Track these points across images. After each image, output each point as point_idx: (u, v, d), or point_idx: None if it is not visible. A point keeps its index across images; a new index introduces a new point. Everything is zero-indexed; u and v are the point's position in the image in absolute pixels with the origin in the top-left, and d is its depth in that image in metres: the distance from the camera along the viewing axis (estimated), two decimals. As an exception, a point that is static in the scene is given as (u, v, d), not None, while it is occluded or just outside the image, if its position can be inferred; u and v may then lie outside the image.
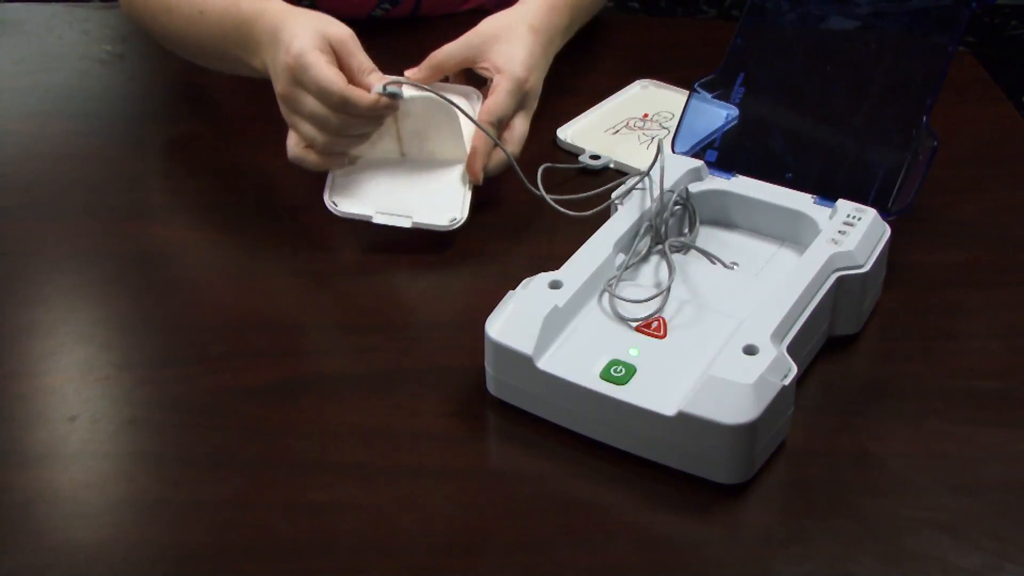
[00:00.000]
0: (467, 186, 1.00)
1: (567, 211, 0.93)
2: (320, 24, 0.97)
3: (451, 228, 0.97)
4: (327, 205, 0.98)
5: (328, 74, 0.94)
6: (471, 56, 1.06)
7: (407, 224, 0.97)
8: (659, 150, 0.93)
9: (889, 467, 0.79)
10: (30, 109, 1.20)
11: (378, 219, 0.98)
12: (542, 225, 0.99)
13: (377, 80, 0.96)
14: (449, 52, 1.06)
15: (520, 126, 1.03)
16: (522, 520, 0.76)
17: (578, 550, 0.74)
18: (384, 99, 0.95)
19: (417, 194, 1.00)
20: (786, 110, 1.00)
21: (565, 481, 0.78)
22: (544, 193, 0.94)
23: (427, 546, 0.74)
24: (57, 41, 1.31)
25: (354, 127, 0.97)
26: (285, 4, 1.01)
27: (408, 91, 0.97)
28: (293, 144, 0.99)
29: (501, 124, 1.01)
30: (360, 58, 0.97)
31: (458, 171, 1.01)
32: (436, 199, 0.99)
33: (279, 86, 0.97)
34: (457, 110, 0.99)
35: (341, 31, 0.97)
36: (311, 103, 0.95)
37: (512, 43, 1.05)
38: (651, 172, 0.95)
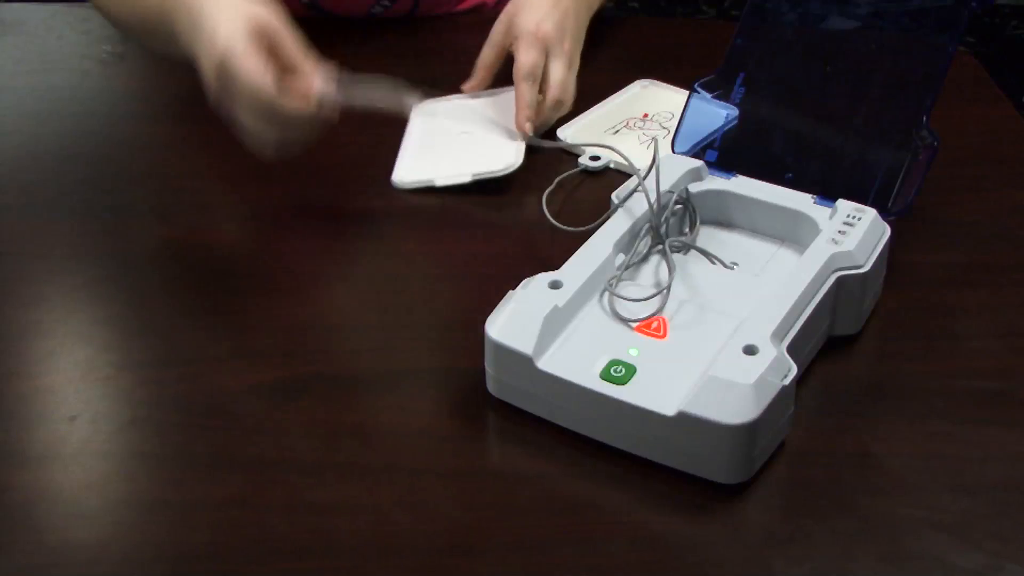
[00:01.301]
0: (519, 138, 1.08)
1: (565, 227, 0.92)
2: (245, 8, 0.90)
3: (507, 172, 1.04)
4: (392, 181, 1.05)
5: (257, 79, 0.87)
6: (502, 43, 1.10)
7: (467, 179, 1.04)
8: (655, 149, 0.93)
9: (889, 467, 0.79)
10: (30, 109, 1.20)
11: (440, 182, 1.05)
12: (542, 225, 0.99)
13: (311, 73, 0.90)
14: (486, 50, 1.11)
15: (555, 72, 1.06)
16: (522, 520, 0.76)
17: (578, 550, 0.74)
18: (321, 109, 0.89)
19: (473, 155, 1.08)
20: (786, 110, 1.00)
21: (565, 481, 0.78)
22: (548, 213, 0.94)
23: (427, 546, 0.74)
24: (57, 41, 1.31)
25: (288, 116, 0.90)
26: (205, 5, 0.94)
27: (355, 90, 0.92)
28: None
29: (533, 77, 1.05)
30: (291, 47, 0.90)
31: (513, 125, 1.08)
32: (490, 153, 1.07)
33: (207, 80, 0.90)
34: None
35: (268, 16, 0.90)
36: (244, 104, 0.89)
37: (521, 11, 1.09)
38: (649, 172, 0.95)
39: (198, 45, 0.91)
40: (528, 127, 1.06)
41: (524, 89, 1.05)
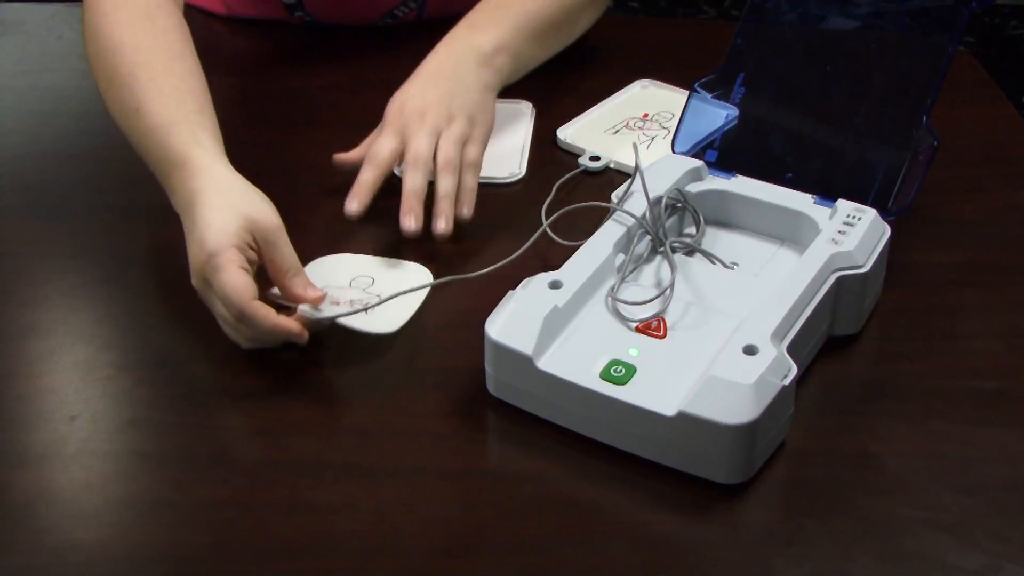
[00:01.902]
0: (524, 147, 1.08)
1: (565, 242, 0.92)
2: (246, 209, 0.86)
3: (510, 181, 1.05)
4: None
5: (234, 281, 0.82)
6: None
7: None
8: (636, 154, 0.95)
9: (889, 467, 0.79)
10: (30, 109, 1.20)
11: None
12: (542, 224, 0.99)
13: (301, 287, 0.86)
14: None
15: (414, 145, 0.97)
16: (522, 520, 0.76)
17: (578, 550, 0.74)
18: (291, 325, 0.84)
19: None
20: (786, 110, 1.00)
21: (565, 481, 0.78)
22: (549, 230, 0.94)
23: (427, 546, 0.74)
24: (57, 41, 1.31)
25: (258, 323, 0.83)
26: (215, 160, 0.91)
27: (330, 311, 0.86)
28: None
29: (378, 163, 0.97)
30: (285, 253, 0.86)
31: (514, 136, 1.09)
32: (493, 159, 1.05)
33: (193, 278, 0.87)
34: None
35: (268, 223, 0.86)
36: (219, 304, 0.85)
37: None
38: (645, 172, 0.95)
39: (189, 232, 0.87)
40: (406, 221, 0.95)
41: (363, 171, 0.98)
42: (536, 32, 1.08)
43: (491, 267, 0.88)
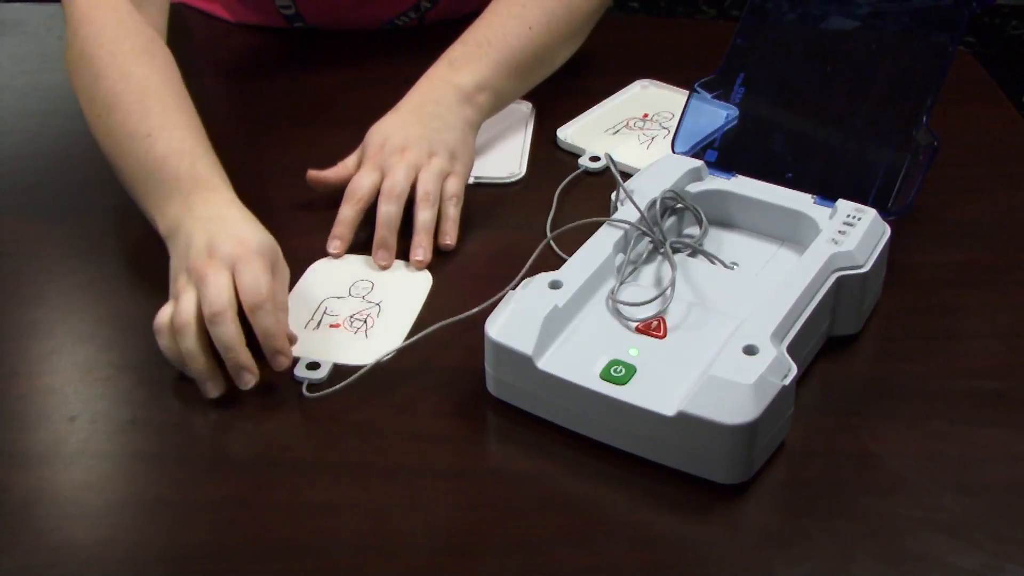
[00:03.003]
0: (524, 147, 1.10)
1: (566, 256, 0.92)
2: (272, 238, 0.89)
3: (510, 181, 1.06)
4: None
5: (265, 277, 0.84)
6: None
7: (470, 181, 1.03)
8: (610, 162, 0.98)
9: (889, 467, 0.79)
10: (30, 109, 1.20)
11: None
12: (542, 225, 0.99)
13: (285, 322, 0.86)
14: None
15: (391, 178, 0.97)
16: (522, 520, 0.76)
17: (578, 550, 0.74)
18: (279, 337, 0.84)
19: (478, 156, 1.07)
20: (786, 110, 1.00)
21: (565, 481, 0.78)
22: (554, 244, 0.94)
23: (427, 546, 0.74)
24: (57, 41, 1.31)
25: (225, 325, 0.82)
26: (235, 197, 0.92)
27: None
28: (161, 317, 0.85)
29: (356, 199, 0.98)
30: (283, 290, 0.88)
31: (514, 136, 1.11)
32: (493, 159, 1.08)
33: (210, 261, 0.84)
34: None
35: (283, 259, 0.89)
36: (222, 279, 0.83)
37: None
38: (645, 172, 0.95)
39: (213, 238, 0.86)
40: (378, 255, 0.96)
41: (342, 208, 0.98)
42: (516, 69, 1.08)
43: (488, 301, 0.87)
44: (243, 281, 0.84)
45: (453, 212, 0.99)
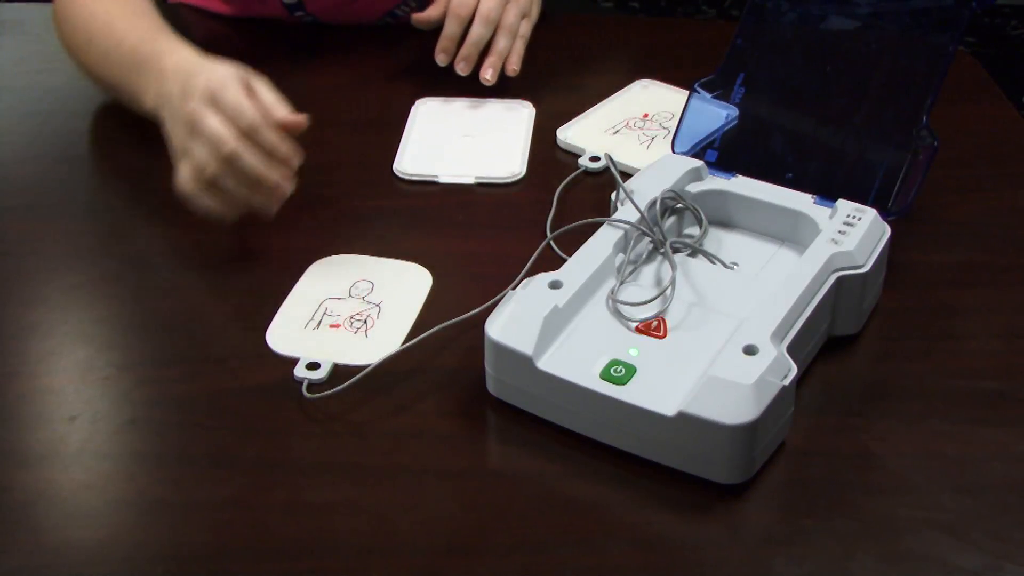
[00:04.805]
0: (524, 147, 1.10)
1: (566, 256, 0.92)
2: (239, 68, 0.96)
3: (510, 180, 1.06)
4: (395, 170, 1.07)
5: (247, 101, 0.93)
6: None
7: (471, 181, 1.06)
8: (609, 159, 0.98)
9: (889, 467, 0.79)
10: (30, 109, 1.20)
11: (444, 179, 1.06)
12: (542, 225, 0.99)
13: (284, 114, 0.94)
14: None
15: (487, 4, 1.14)
16: (522, 520, 0.76)
17: (578, 550, 0.74)
18: (288, 147, 0.93)
19: (478, 156, 1.09)
20: (786, 110, 1.00)
21: (565, 481, 0.78)
22: (554, 245, 0.94)
23: (427, 546, 0.74)
24: (57, 41, 1.31)
25: (246, 162, 0.92)
26: (197, 51, 1.01)
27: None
28: (184, 178, 0.95)
29: (468, 15, 1.14)
30: (268, 93, 0.95)
31: (514, 136, 1.12)
32: (494, 158, 1.09)
33: (189, 104, 0.93)
34: None
35: (258, 77, 0.96)
36: (215, 123, 0.92)
37: None
38: (645, 172, 0.95)
39: (184, 80, 0.96)
40: (461, 66, 1.15)
41: (447, 25, 1.15)
42: None
43: (488, 301, 0.87)
44: (226, 111, 0.92)
45: (520, 46, 1.17)
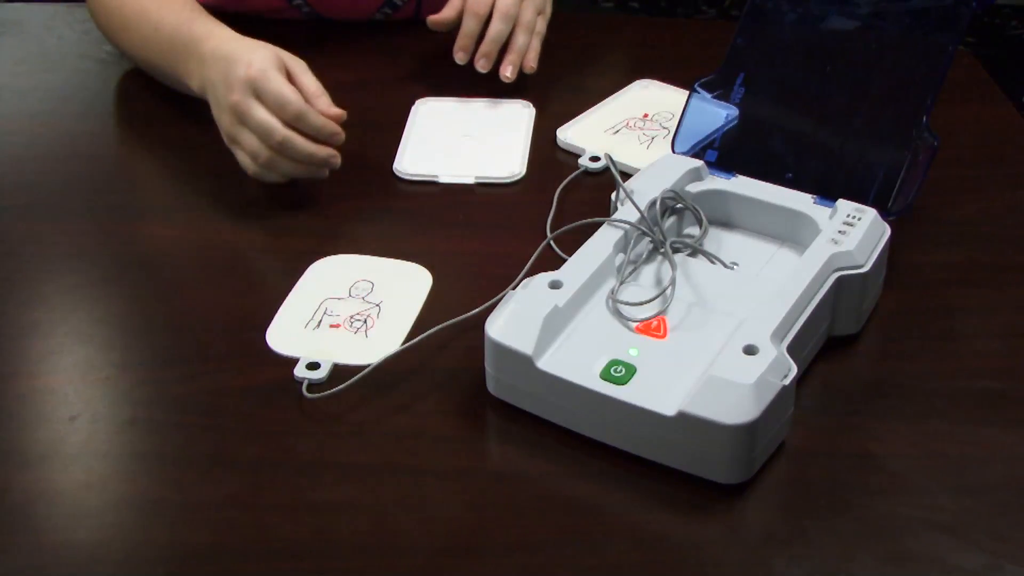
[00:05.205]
0: (524, 147, 1.11)
1: (566, 256, 0.92)
2: (276, 50, 1.01)
3: (510, 180, 1.06)
4: (395, 170, 1.07)
5: (288, 88, 0.98)
6: None
7: (471, 181, 1.06)
8: (609, 159, 0.99)
9: (889, 467, 0.79)
10: (30, 109, 1.20)
11: (444, 179, 1.06)
12: (542, 225, 0.99)
13: (326, 105, 1.00)
14: None
15: (506, 1, 1.15)
16: (522, 520, 0.76)
17: (578, 550, 0.74)
18: (333, 124, 0.99)
19: (478, 156, 1.09)
20: (786, 110, 1.00)
21: (565, 481, 0.78)
22: (554, 244, 0.94)
23: (427, 546, 0.74)
24: (57, 41, 1.31)
25: (296, 147, 0.99)
26: (233, 31, 1.05)
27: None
28: (243, 163, 1.02)
29: (486, 12, 1.15)
30: (311, 79, 1.01)
31: (514, 136, 1.12)
32: (493, 158, 1.09)
33: (233, 95, 0.98)
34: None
35: (292, 56, 1.02)
36: (262, 114, 0.97)
37: None
38: (645, 172, 0.95)
39: (225, 69, 1.00)
40: (481, 62, 1.15)
41: (465, 22, 1.16)
42: None
43: (488, 301, 0.88)
44: (269, 102, 0.97)
45: (537, 43, 1.18)
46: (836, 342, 0.88)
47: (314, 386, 0.84)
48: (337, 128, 1.00)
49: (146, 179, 1.11)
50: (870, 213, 0.89)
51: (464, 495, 0.78)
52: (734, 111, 1.00)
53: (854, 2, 0.99)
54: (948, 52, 0.93)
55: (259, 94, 0.98)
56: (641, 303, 0.83)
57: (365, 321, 0.90)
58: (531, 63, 1.17)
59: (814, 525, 0.75)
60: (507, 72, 1.16)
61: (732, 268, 0.91)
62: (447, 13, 1.19)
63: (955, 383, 0.86)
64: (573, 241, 0.90)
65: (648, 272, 0.88)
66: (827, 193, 0.92)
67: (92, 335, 0.92)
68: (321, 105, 0.99)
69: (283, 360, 0.87)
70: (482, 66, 1.16)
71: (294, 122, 0.98)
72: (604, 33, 1.28)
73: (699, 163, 0.96)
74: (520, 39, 1.16)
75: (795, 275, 0.84)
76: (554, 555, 0.73)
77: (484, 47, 1.15)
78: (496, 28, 1.15)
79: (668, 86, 1.20)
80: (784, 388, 0.76)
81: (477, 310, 0.87)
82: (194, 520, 0.76)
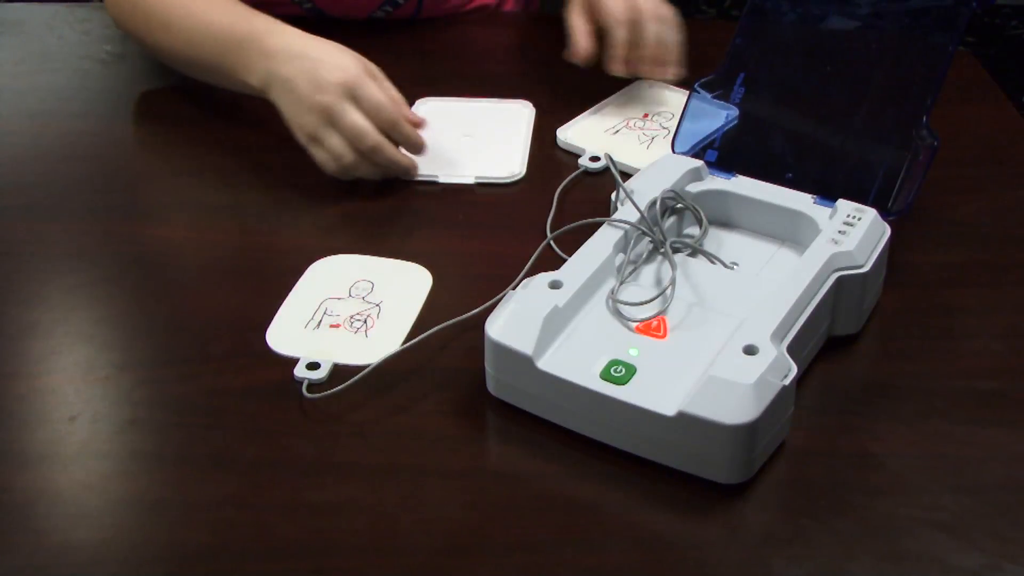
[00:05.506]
0: (524, 147, 1.10)
1: (563, 255, 0.92)
2: (357, 55, 1.03)
3: (510, 181, 1.06)
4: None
5: (384, 96, 1.01)
6: (588, 15, 1.15)
7: (471, 181, 1.06)
8: (609, 159, 1.00)
9: (889, 467, 0.79)
10: (30, 109, 1.20)
11: (444, 178, 1.06)
12: (542, 225, 0.99)
13: (409, 113, 1.03)
14: (577, 20, 1.16)
15: (650, 28, 1.11)
16: (522, 520, 0.76)
17: (578, 550, 0.74)
18: (419, 135, 1.04)
19: (478, 156, 1.09)
20: (786, 110, 1.00)
21: (565, 481, 0.78)
22: (554, 244, 0.94)
23: (427, 546, 0.74)
24: (57, 41, 1.31)
25: (385, 153, 1.01)
26: (296, 28, 1.05)
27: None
28: (323, 163, 1.03)
29: (629, 24, 1.11)
30: (390, 85, 1.03)
31: (515, 136, 1.12)
32: (494, 159, 1.09)
33: (325, 96, 0.99)
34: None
35: (374, 66, 1.03)
36: (357, 117, 0.99)
37: None
38: (645, 172, 0.95)
39: (301, 66, 1.01)
40: (621, 68, 1.12)
41: (619, 33, 1.11)
42: None
43: (488, 301, 0.88)
44: (367, 107, 0.99)
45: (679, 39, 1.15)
46: (836, 342, 0.88)
47: (314, 386, 0.84)
48: (422, 140, 1.03)
49: (146, 179, 1.11)
50: (870, 213, 0.89)
51: (464, 495, 0.78)
52: (734, 111, 1.00)
53: (854, 2, 0.99)
54: (948, 52, 0.93)
55: (356, 98, 0.99)
56: (641, 303, 0.83)
57: (365, 321, 0.90)
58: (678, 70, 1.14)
59: (814, 525, 0.75)
60: (668, 73, 1.12)
61: (732, 268, 0.91)
62: (584, 43, 1.15)
63: (955, 383, 0.86)
64: (573, 241, 0.90)
65: (648, 272, 0.88)
66: (827, 193, 0.92)
67: (92, 335, 0.92)
68: (405, 112, 1.03)
69: (283, 360, 0.87)
70: (657, 73, 1.12)
71: (387, 128, 1.01)
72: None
73: (699, 163, 0.96)
74: (672, 36, 1.13)
75: (795, 275, 0.84)
76: (554, 555, 0.73)
77: (648, 51, 1.11)
78: (653, 30, 1.11)
79: (668, 86, 1.20)
80: (784, 388, 0.76)
81: (477, 310, 0.87)
82: (194, 520, 0.76)
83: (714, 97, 1.01)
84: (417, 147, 1.04)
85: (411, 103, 1.16)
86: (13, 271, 0.97)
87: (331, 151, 1.01)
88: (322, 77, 1.00)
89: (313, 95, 1.00)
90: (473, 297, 0.88)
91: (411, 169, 1.04)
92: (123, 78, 1.25)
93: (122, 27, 1.21)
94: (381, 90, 1.01)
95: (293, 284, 0.94)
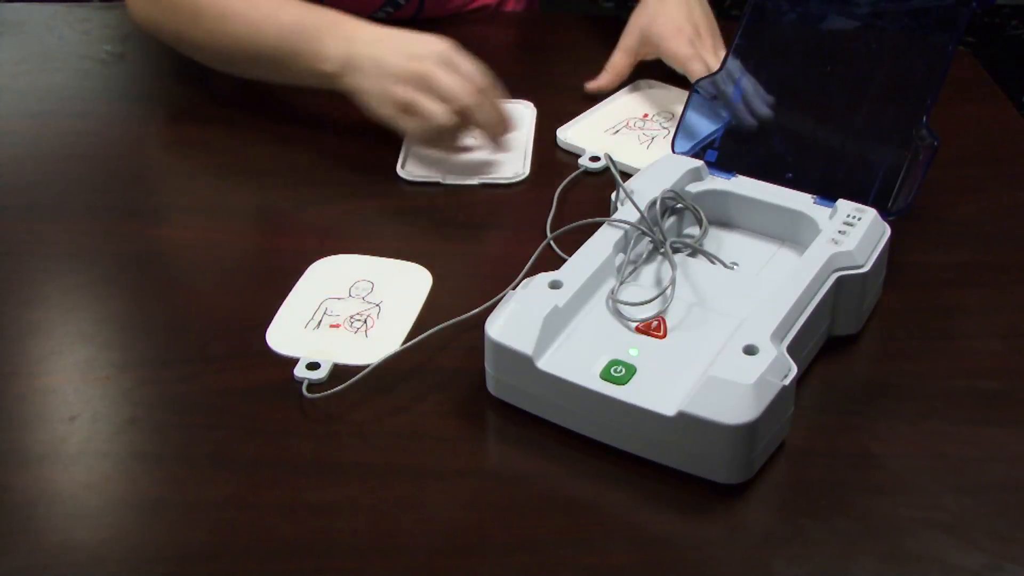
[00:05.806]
0: (528, 147, 1.10)
1: (564, 255, 0.92)
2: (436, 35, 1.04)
3: (514, 181, 1.06)
4: (400, 174, 1.06)
5: (475, 66, 1.02)
6: (635, 50, 1.19)
7: (475, 183, 1.06)
8: (609, 159, 1.00)
9: (889, 467, 0.79)
10: (30, 109, 1.20)
11: (448, 180, 1.06)
12: (542, 225, 0.99)
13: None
14: (619, 56, 1.19)
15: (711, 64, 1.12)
16: (522, 520, 0.76)
17: (578, 550, 0.74)
18: (505, 108, 1.05)
19: (479, 160, 1.09)
20: (786, 110, 1.00)
21: (565, 481, 0.78)
22: (554, 244, 0.94)
23: (427, 546, 0.74)
24: (57, 41, 1.31)
25: (481, 114, 1.02)
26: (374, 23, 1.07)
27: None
28: (412, 132, 1.04)
29: (700, 60, 1.13)
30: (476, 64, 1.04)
31: (517, 136, 1.10)
32: (497, 160, 1.09)
33: (421, 64, 1.01)
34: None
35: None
36: (453, 80, 1.01)
37: (655, 20, 1.17)
38: (645, 172, 0.95)
39: (387, 43, 1.03)
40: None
41: (696, 70, 1.12)
42: None
43: (488, 301, 0.88)
44: (463, 71, 1.01)
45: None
46: (836, 342, 0.88)
47: (314, 386, 0.84)
48: (508, 114, 1.04)
49: (146, 179, 1.11)
50: (870, 213, 0.89)
51: (464, 495, 0.78)
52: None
53: (854, 2, 0.99)
54: (948, 52, 0.93)
55: (451, 65, 1.01)
56: (641, 303, 0.83)
57: (365, 321, 0.90)
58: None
59: (814, 525, 0.75)
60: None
61: (732, 268, 0.91)
62: (608, 81, 1.19)
63: (955, 383, 0.86)
64: (573, 241, 0.90)
65: (648, 272, 0.88)
66: (827, 193, 0.92)
67: (92, 335, 0.92)
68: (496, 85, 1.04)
69: (283, 360, 0.87)
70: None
71: (479, 94, 1.01)
72: (604, 33, 1.28)
73: (699, 163, 0.96)
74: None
75: (795, 275, 0.84)
76: (554, 555, 0.73)
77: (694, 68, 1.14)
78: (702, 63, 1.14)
79: (668, 86, 1.20)
80: (784, 388, 0.76)
81: (477, 310, 0.87)
82: (194, 520, 0.76)
83: (714, 97, 1.01)
84: (503, 120, 1.04)
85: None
86: (13, 271, 0.97)
87: (426, 113, 1.01)
88: (415, 49, 1.02)
89: (407, 64, 1.01)
90: (473, 297, 0.88)
91: (509, 123, 1.05)
92: (123, 78, 1.25)
93: (148, 24, 1.18)
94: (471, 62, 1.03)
95: (293, 284, 0.94)
